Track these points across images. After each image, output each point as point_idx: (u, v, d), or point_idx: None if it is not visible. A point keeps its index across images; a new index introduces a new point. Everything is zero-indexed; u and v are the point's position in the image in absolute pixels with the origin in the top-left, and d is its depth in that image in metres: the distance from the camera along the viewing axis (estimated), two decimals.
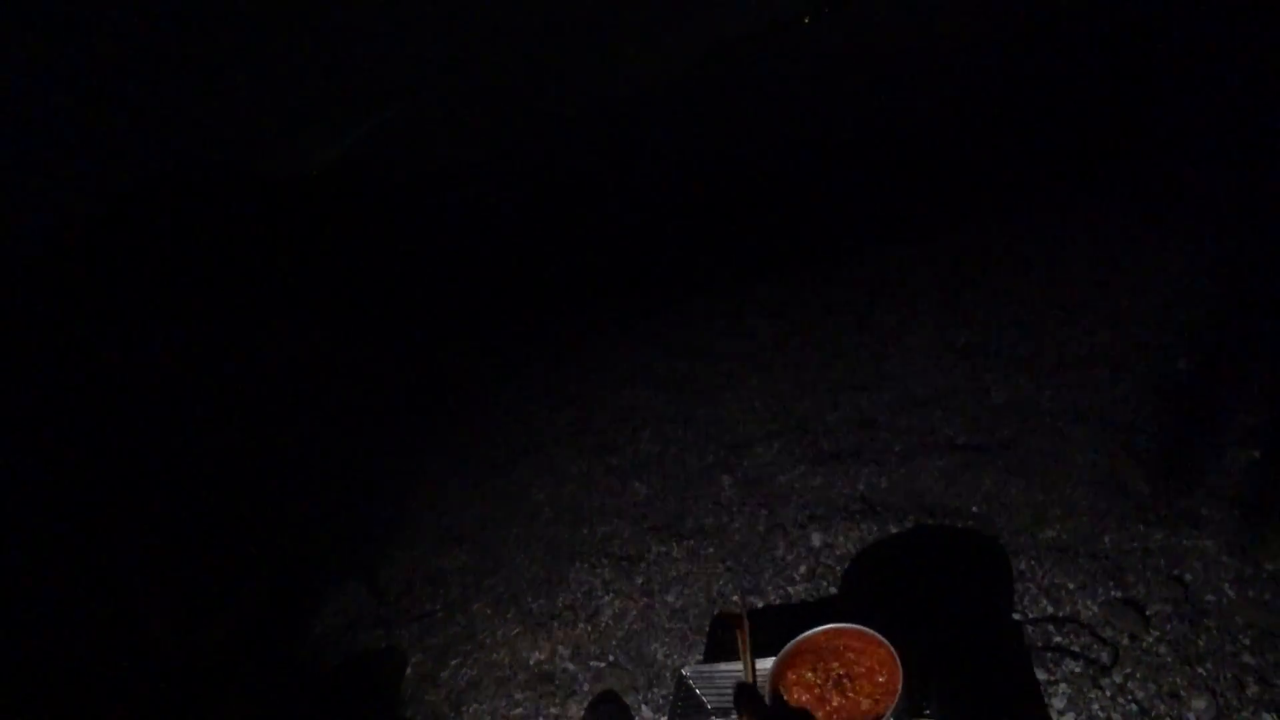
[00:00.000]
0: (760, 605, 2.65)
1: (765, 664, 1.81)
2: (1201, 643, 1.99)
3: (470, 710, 2.78)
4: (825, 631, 1.75)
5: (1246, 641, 1.96)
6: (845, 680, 1.69)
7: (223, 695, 3.53)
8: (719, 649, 2.53)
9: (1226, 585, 2.12)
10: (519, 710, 2.68)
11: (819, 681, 1.71)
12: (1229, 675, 1.89)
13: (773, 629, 2.52)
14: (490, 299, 9.64)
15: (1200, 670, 1.92)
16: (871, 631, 1.70)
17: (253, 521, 4.79)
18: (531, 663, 2.86)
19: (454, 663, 3.06)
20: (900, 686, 1.57)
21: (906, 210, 6.64)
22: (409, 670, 3.16)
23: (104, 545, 4.23)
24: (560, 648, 2.87)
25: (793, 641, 1.76)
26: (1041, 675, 2.02)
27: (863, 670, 1.70)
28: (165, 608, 3.88)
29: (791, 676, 1.74)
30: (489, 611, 3.28)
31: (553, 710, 2.61)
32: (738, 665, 1.91)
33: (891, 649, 1.65)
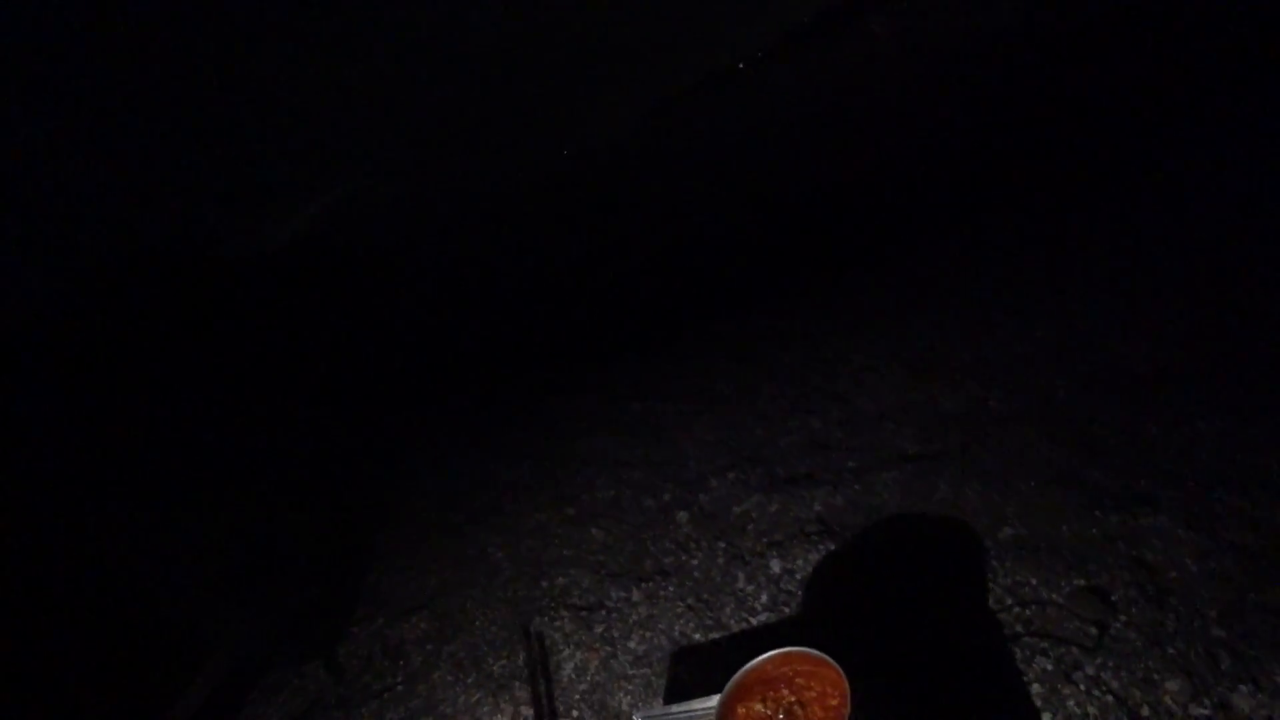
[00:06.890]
0: (722, 640, 2.52)
1: (713, 701, 1.69)
2: (1170, 623, 1.91)
3: None
4: (772, 659, 1.63)
5: (1214, 615, 1.89)
6: (797, 708, 1.58)
7: None
8: (676, 688, 2.39)
9: (1188, 560, 2.06)
10: None
11: (770, 713, 1.60)
12: (1201, 652, 1.81)
13: (738, 663, 2.40)
14: (446, 365, 9.53)
15: (1171, 650, 1.84)
16: (819, 654, 1.59)
17: (204, 605, 4.55)
18: None
19: None
20: (849, 710, 1.46)
21: (854, 238, 6.73)
22: None
23: (41, 631, 3.96)
24: (523, 708, 2.70)
25: (740, 673, 1.64)
26: (1013, 676, 1.92)
27: (814, 695, 1.59)
28: (110, 698, 3.63)
29: (741, 711, 1.62)
30: (450, 679, 3.10)
31: None
32: (690, 705, 1.78)
33: (839, 670, 1.54)
